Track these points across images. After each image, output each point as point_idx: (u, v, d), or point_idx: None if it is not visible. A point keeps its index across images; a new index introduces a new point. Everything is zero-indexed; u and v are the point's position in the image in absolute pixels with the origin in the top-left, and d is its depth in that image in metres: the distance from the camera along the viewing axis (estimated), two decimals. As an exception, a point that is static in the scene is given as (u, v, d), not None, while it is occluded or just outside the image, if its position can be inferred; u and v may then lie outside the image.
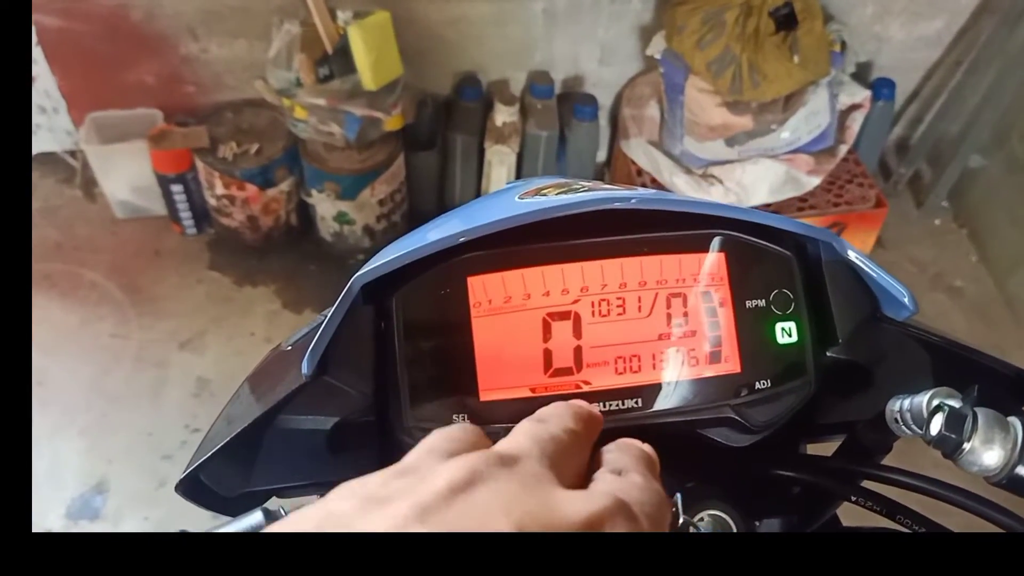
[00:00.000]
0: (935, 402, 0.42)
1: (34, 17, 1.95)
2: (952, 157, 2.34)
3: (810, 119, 2.01)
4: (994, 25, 2.17)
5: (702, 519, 0.44)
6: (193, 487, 0.50)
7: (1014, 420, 0.40)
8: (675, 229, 0.48)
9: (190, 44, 2.03)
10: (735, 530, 0.45)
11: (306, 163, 2.04)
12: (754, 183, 2.03)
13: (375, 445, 0.49)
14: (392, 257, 0.44)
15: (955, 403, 0.42)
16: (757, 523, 0.49)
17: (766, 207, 2.06)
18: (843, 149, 2.12)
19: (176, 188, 2.11)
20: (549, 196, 0.48)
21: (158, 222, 2.23)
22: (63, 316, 2.06)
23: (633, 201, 0.44)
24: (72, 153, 2.31)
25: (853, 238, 2.16)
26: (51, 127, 2.26)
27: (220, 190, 2.05)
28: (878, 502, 0.46)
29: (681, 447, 0.45)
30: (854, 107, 2.12)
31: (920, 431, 0.43)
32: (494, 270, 0.47)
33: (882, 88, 2.22)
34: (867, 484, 0.49)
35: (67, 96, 2.11)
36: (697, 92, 1.98)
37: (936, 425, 0.41)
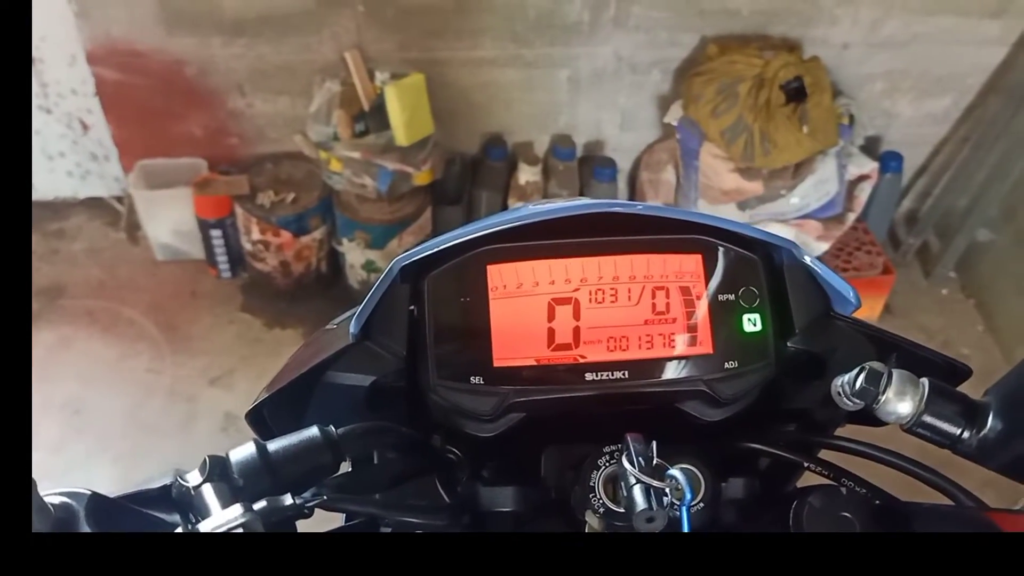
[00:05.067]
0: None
1: (95, 70, 2.10)
2: (959, 229, 2.42)
3: (819, 186, 2.11)
4: (1000, 104, 2.27)
5: (674, 476, 0.51)
6: (257, 420, 0.59)
7: (924, 380, 0.49)
8: (661, 233, 0.57)
9: (237, 99, 2.17)
10: (703, 483, 0.53)
11: (339, 213, 2.17)
12: (765, 245, 2.12)
13: (404, 404, 0.58)
14: (428, 244, 0.54)
15: (877, 367, 0.50)
16: (724, 483, 0.56)
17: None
18: (851, 217, 2.21)
19: (215, 233, 2.23)
20: (558, 203, 0.57)
21: (195, 265, 2.36)
22: (103, 350, 2.17)
23: (621, 208, 0.54)
24: (119, 199, 2.46)
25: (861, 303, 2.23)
26: (101, 174, 2.42)
27: (256, 235, 2.17)
28: (829, 468, 0.54)
29: (661, 424, 0.53)
30: (862, 177, 2.22)
31: (858, 400, 0.51)
32: (510, 260, 0.56)
33: (890, 161, 2.32)
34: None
35: (120, 144, 2.25)
36: (711, 158, 2.09)
37: (859, 381, 0.49)
